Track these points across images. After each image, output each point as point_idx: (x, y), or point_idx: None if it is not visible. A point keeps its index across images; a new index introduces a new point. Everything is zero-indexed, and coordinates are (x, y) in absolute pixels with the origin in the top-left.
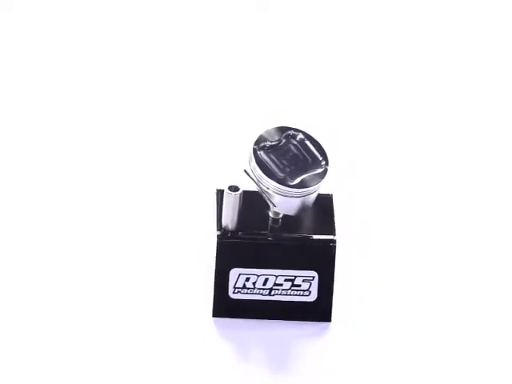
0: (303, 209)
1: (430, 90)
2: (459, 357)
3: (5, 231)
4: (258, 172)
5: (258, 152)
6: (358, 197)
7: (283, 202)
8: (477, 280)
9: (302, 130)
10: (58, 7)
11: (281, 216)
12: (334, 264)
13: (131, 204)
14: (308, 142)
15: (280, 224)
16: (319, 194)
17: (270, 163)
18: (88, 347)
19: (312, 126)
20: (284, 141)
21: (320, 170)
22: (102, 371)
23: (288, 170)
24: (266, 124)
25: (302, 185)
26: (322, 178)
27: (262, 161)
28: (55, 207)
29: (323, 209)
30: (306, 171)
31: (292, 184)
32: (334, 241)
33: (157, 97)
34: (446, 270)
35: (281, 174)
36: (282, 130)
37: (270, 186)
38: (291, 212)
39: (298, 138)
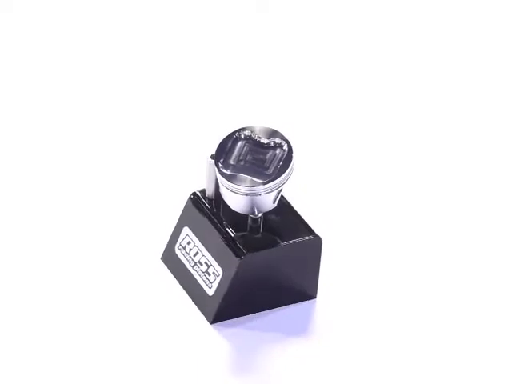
0: (242, 208)
1: (428, 90)
2: (456, 358)
3: None
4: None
5: (237, 138)
6: (355, 196)
7: (221, 188)
8: (475, 280)
9: (292, 145)
10: (58, 7)
11: (259, 216)
12: (231, 275)
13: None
14: (285, 159)
15: (258, 224)
16: (312, 231)
17: (236, 152)
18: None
19: (310, 125)
20: (271, 145)
21: (264, 181)
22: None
23: (242, 164)
24: (263, 123)
25: (228, 177)
26: (251, 186)
27: (226, 143)
28: (43, 195)
29: (293, 235)
30: (253, 174)
31: (223, 172)
32: (244, 255)
33: (157, 95)
34: (443, 270)
35: (231, 163)
36: (277, 135)
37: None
38: (228, 203)
39: (282, 150)
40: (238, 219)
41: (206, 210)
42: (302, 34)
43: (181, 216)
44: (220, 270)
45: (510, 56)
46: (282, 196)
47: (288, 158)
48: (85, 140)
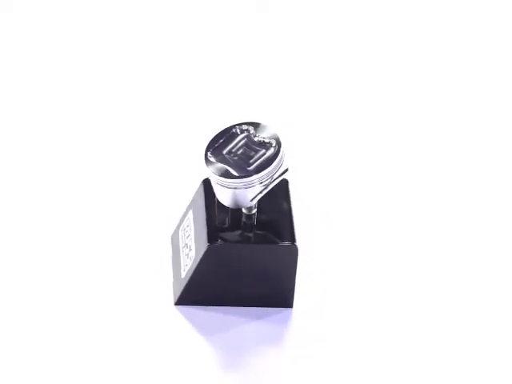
0: (222, 198)
1: (427, 89)
2: (445, 367)
3: None
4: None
5: (236, 132)
6: (355, 196)
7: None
8: (472, 288)
9: (281, 149)
10: (58, 7)
11: (252, 213)
12: (198, 259)
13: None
14: (268, 161)
15: (251, 221)
16: (292, 239)
17: (233, 144)
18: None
19: (310, 125)
20: (265, 144)
21: (237, 175)
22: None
23: (232, 156)
24: (262, 122)
25: (210, 164)
26: (228, 178)
27: (224, 134)
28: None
29: (271, 238)
30: (234, 167)
31: (209, 159)
32: (213, 243)
33: (158, 95)
34: (439, 280)
35: (223, 152)
36: (274, 136)
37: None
38: (214, 191)
39: (273, 149)
40: (237, 213)
41: (211, 197)
42: (302, 34)
43: (191, 200)
44: (194, 254)
45: (510, 56)
46: (287, 197)
47: (270, 161)
48: (96, 136)
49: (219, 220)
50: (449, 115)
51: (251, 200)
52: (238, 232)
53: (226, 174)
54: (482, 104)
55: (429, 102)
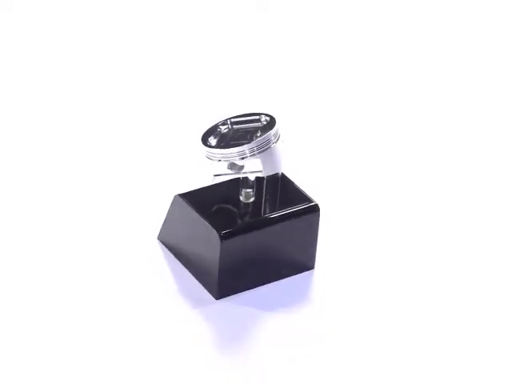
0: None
1: (426, 87)
2: (453, 356)
3: None
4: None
5: (257, 121)
6: (355, 195)
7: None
8: (475, 277)
9: (257, 148)
10: (58, 7)
11: (249, 202)
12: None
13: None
14: (243, 143)
15: (246, 209)
16: (225, 236)
17: (246, 125)
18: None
19: (309, 124)
20: (256, 137)
21: (213, 144)
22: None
23: (232, 132)
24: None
25: (212, 127)
26: (202, 140)
27: (253, 115)
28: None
29: (214, 221)
30: (219, 139)
31: (219, 123)
32: (183, 195)
33: (159, 95)
34: (441, 270)
35: (234, 127)
36: (268, 134)
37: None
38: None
39: (270, 143)
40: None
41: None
42: (301, 33)
43: None
44: None
45: (510, 56)
46: (293, 213)
47: (233, 145)
48: (88, 138)
49: (213, 191)
50: (449, 115)
51: (215, 176)
52: (210, 203)
53: (203, 137)
54: (482, 104)
55: (430, 101)
